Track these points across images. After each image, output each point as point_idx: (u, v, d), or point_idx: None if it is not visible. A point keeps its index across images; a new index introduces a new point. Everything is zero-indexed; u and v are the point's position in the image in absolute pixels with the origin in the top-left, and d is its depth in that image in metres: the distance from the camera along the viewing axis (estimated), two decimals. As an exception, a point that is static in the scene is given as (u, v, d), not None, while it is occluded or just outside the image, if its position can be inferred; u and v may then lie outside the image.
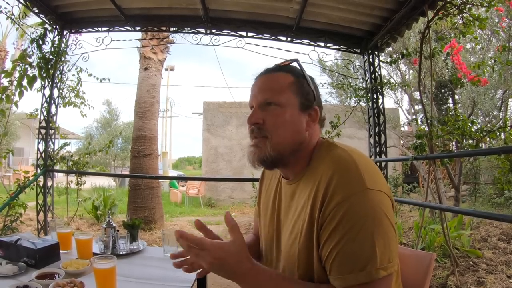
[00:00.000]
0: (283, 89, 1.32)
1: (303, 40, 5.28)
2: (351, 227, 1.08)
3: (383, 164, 5.12)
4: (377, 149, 5.16)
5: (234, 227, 1.16)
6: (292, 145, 1.31)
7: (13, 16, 4.61)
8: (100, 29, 5.24)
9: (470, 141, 4.26)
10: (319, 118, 1.38)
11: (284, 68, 1.39)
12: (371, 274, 1.05)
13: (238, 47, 5.21)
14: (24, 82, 4.60)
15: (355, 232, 1.07)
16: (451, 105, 10.79)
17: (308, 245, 1.21)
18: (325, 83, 8.48)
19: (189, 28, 5.25)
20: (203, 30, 5.24)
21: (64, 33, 5.16)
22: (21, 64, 4.62)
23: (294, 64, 1.43)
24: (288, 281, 1.20)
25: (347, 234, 1.08)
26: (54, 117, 5.11)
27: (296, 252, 1.24)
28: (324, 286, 1.16)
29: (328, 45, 5.35)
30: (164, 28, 5.47)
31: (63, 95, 5.18)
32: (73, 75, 5.22)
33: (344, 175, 1.15)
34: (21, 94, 4.56)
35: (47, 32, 4.89)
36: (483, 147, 4.77)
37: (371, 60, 5.29)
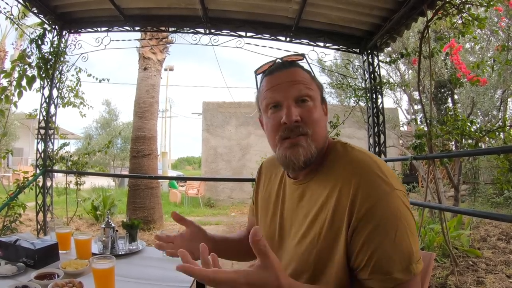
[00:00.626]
0: (311, 83, 1.29)
1: (302, 40, 5.28)
2: (389, 229, 1.07)
3: (383, 164, 5.11)
4: (377, 149, 5.17)
5: (261, 249, 0.94)
6: (324, 141, 1.29)
7: (12, 17, 4.60)
8: (99, 29, 5.24)
9: (470, 141, 4.27)
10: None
11: (298, 64, 1.35)
12: (413, 269, 1.06)
13: (237, 47, 5.22)
14: (23, 83, 4.60)
15: (393, 234, 1.07)
16: (450, 105, 10.81)
17: (329, 249, 1.17)
18: (324, 83, 8.45)
19: (188, 28, 5.25)
20: (202, 30, 5.24)
21: (63, 33, 5.15)
22: (20, 64, 4.62)
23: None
24: None
25: (386, 237, 1.07)
26: (53, 117, 5.11)
27: (313, 255, 1.20)
28: None
29: (327, 45, 5.35)
30: (163, 28, 5.47)
31: (62, 95, 5.18)
32: (72, 75, 5.25)
33: (370, 179, 1.13)
34: (20, 95, 4.56)
35: (46, 32, 4.89)
36: (483, 146, 4.77)
37: (370, 60, 5.29)
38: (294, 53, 1.41)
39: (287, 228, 1.36)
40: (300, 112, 1.22)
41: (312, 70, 1.36)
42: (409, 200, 1.17)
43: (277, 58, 1.38)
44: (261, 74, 1.40)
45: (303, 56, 1.38)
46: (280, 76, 1.29)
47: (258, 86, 1.39)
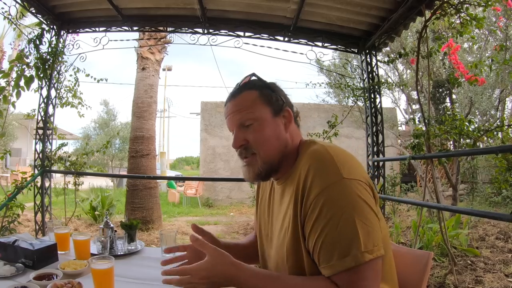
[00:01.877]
0: (253, 105, 1.38)
1: (300, 40, 5.28)
2: (332, 216, 1.12)
3: (381, 163, 5.12)
4: (375, 149, 5.17)
5: (202, 244, 1.25)
6: (279, 151, 1.38)
7: (10, 17, 4.59)
8: (97, 29, 5.23)
9: (468, 141, 4.27)
10: (294, 116, 1.44)
11: (246, 86, 1.45)
12: (357, 257, 1.08)
13: (236, 47, 5.21)
14: (22, 83, 4.57)
15: (337, 220, 1.11)
16: (448, 104, 10.84)
17: (295, 239, 1.25)
18: (322, 83, 8.50)
19: (186, 28, 5.25)
20: (200, 30, 5.24)
21: (62, 33, 5.15)
22: (18, 65, 4.61)
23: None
24: (275, 278, 1.23)
25: (329, 223, 1.12)
26: (52, 118, 5.10)
27: (285, 247, 1.29)
28: (314, 278, 1.20)
29: (326, 44, 5.35)
30: (161, 28, 5.47)
31: (61, 95, 5.18)
32: (71, 75, 5.23)
33: (319, 167, 1.20)
34: (18, 95, 4.54)
35: (45, 32, 4.88)
36: (481, 146, 4.78)
37: (368, 59, 5.30)
38: (245, 76, 1.50)
39: (274, 227, 1.45)
40: (245, 136, 1.38)
41: (266, 85, 1.45)
42: (369, 190, 1.21)
43: (237, 84, 1.49)
44: None
45: (252, 75, 1.49)
46: (228, 107, 1.45)
47: None
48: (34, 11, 4.74)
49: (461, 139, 4.32)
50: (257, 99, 1.39)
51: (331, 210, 1.12)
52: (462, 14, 4.04)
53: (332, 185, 1.15)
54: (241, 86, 1.45)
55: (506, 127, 4.49)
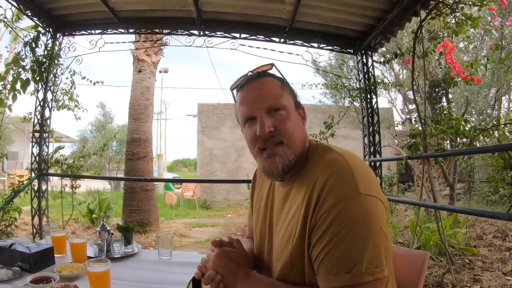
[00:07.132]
0: (281, 92, 1.32)
1: (296, 41, 5.30)
2: (341, 230, 1.09)
3: (378, 163, 5.13)
4: (372, 149, 5.18)
5: (237, 241, 1.42)
6: (302, 146, 1.32)
7: (6, 19, 4.58)
8: (93, 31, 5.23)
9: (464, 140, 4.28)
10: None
11: (268, 73, 1.39)
12: (355, 277, 1.05)
13: (232, 49, 5.21)
14: (18, 86, 4.58)
15: (344, 235, 1.08)
16: (444, 104, 10.85)
17: (301, 247, 1.21)
18: (318, 84, 8.50)
19: (182, 30, 5.26)
20: (196, 32, 5.24)
21: (58, 36, 5.14)
22: (14, 68, 4.60)
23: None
24: (270, 283, 1.26)
25: (336, 237, 1.09)
26: (48, 121, 5.10)
27: (289, 254, 1.25)
28: None
29: (322, 45, 5.37)
30: (157, 30, 5.46)
31: (57, 98, 5.17)
32: (67, 78, 5.21)
33: (338, 179, 1.15)
34: (14, 98, 4.54)
35: (40, 35, 4.87)
36: (477, 145, 4.79)
37: (364, 60, 5.31)
38: (263, 64, 1.44)
39: (274, 229, 1.41)
40: (273, 122, 1.27)
41: (283, 77, 1.39)
42: (384, 209, 1.17)
43: (249, 72, 1.42)
44: (235, 90, 1.44)
45: (271, 65, 1.42)
46: (250, 89, 1.34)
47: (235, 101, 1.43)
48: (30, 14, 4.74)
49: (458, 139, 4.34)
50: (282, 87, 1.34)
51: (341, 224, 1.09)
52: (458, 14, 4.05)
53: (347, 199, 1.11)
54: (264, 73, 1.39)
55: (502, 126, 4.52)
